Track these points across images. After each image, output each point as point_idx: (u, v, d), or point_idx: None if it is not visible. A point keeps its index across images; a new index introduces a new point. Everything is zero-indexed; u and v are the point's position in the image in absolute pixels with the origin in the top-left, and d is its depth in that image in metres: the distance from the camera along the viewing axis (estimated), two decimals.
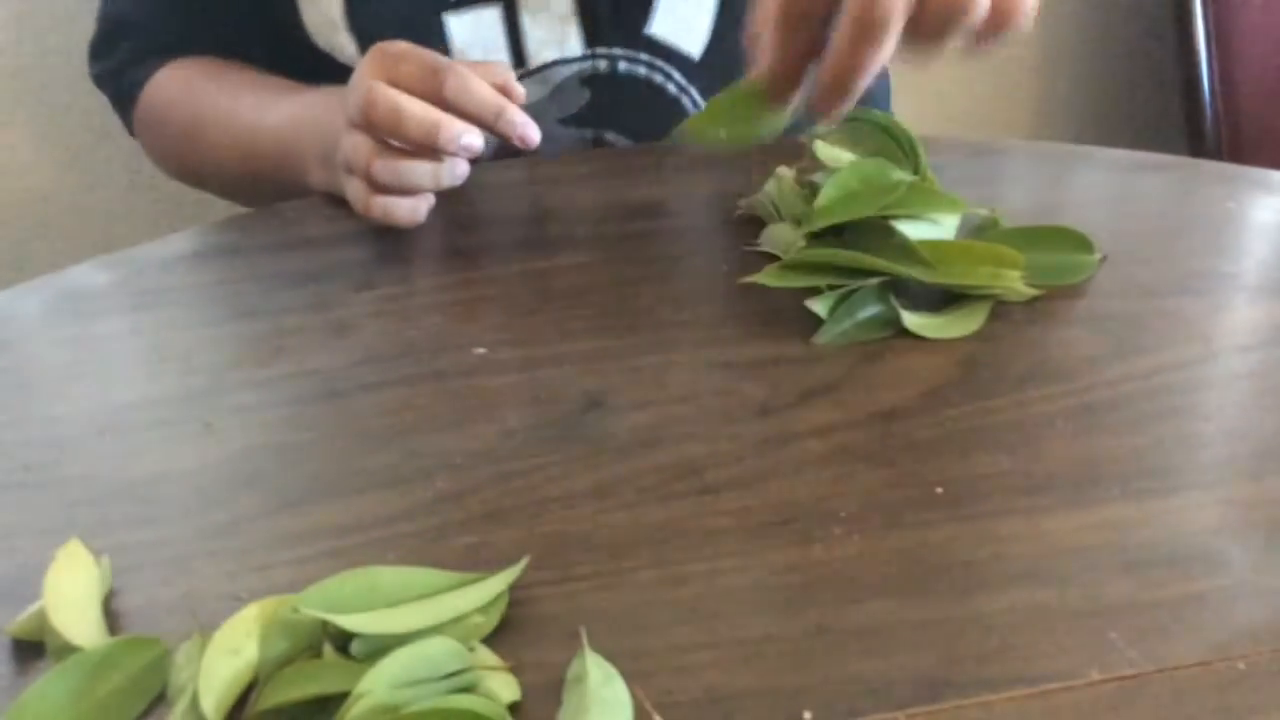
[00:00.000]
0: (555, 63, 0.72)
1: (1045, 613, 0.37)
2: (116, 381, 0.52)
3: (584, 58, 0.72)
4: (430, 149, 0.58)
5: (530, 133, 0.59)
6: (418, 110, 0.57)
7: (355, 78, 0.59)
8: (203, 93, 0.75)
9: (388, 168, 0.58)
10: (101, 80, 0.82)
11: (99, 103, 1.09)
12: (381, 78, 0.58)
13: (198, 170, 0.78)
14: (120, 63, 0.80)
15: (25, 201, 1.19)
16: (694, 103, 0.74)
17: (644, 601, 0.38)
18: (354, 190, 0.61)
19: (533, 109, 0.73)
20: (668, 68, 0.73)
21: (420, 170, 0.59)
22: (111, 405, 0.50)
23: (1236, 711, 0.33)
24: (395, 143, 0.58)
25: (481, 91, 0.58)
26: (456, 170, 0.60)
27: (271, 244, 0.63)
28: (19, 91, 1.14)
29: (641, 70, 0.73)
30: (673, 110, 0.74)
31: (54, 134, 1.16)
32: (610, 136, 0.75)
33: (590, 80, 0.73)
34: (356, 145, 0.59)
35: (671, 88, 0.74)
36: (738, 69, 0.75)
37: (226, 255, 0.63)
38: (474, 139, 0.57)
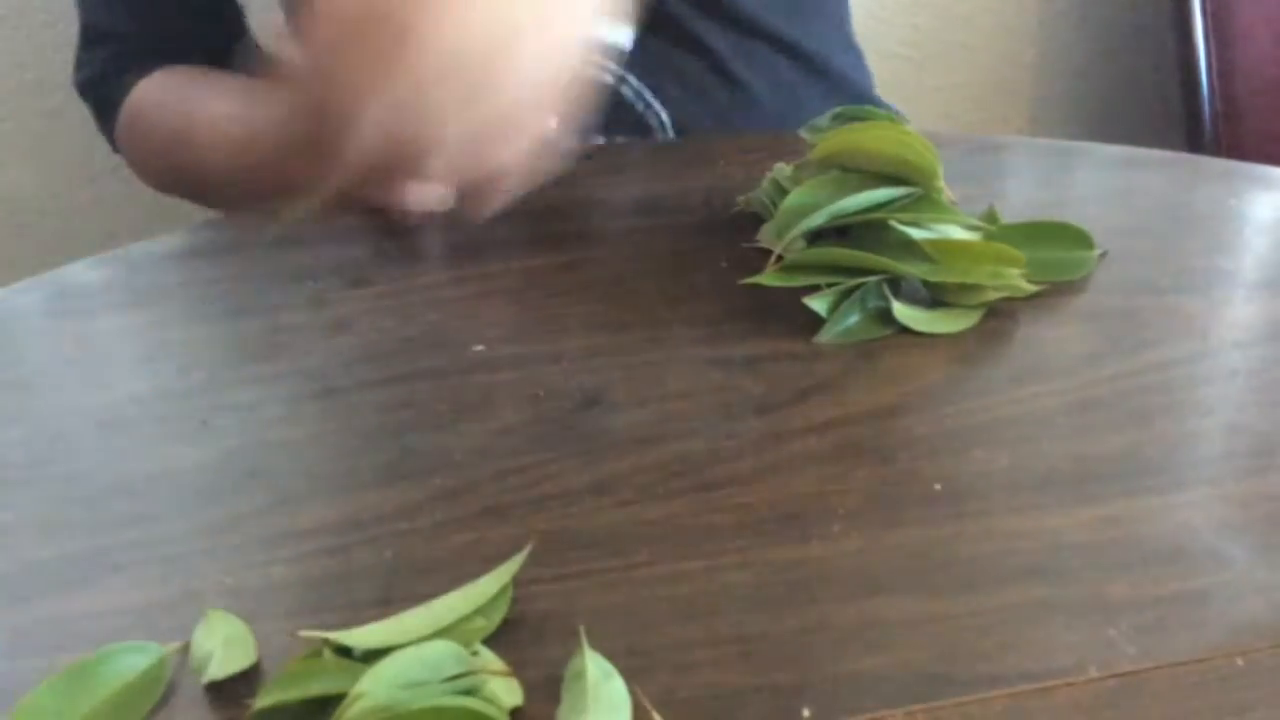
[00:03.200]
0: None
1: (1044, 609, 0.37)
2: (113, 379, 0.52)
3: None
4: None
5: None
6: None
7: None
8: (192, 99, 0.75)
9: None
10: (84, 90, 0.82)
11: None
12: None
13: (190, 176, 0.78)
14: (100, 71, 0.80)
15: (22, 199, 1.19)
16: (633, 89, 0.74)
17: (643, 599, 0.38)
18: None
19: None
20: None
21: None
22: (107, 402, 0.50)
23: (1236, 708, 0.33)
24: None
25: None
26: None
27: (268, 241, 0.63)
28: (14, 89, 1.14)
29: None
30: (612, 100, 0.74)
31: (50, 131, 1.16)
32: None
33: None
34: None
35: (607, 77, 0.74)
36: (674, 51, 0.75)
37: (222, 252, 0.63)
38: None
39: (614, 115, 0.75)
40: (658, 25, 0.74)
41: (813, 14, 0.84)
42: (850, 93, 0.85)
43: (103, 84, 0.80)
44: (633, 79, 0.74)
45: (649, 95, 0.75)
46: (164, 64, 0.78)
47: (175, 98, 0.76)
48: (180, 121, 0.75)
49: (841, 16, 0.88)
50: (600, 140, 0.76)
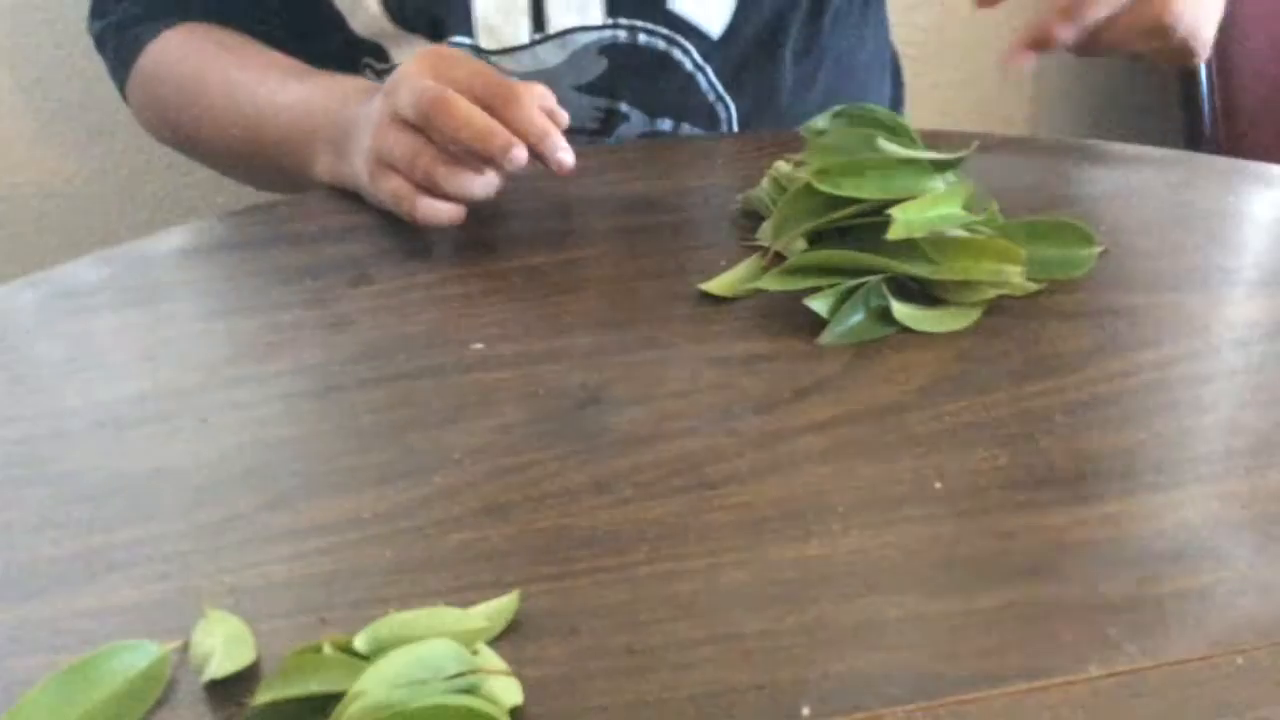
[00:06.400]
0: (575, 29, 0.72)
1: (1044, 608, 0.37)
2: (112, 377, 0.52)
3: (604, 26, 0.72)
4: (476, 157, 0.57)
5: (567, 159, 0.58)
6: (475, 116, 0.56)
7: (405, 75, 0.58)
8: (210, 61, 0.74)
9: (452, 176, 0.58)
10: (102, 38, 0.81)
11: (95, 98, 1.09)
12: (434, 79, 0.57)
13: (193, 138, 0.77)
14: (120, 19, 0.79)
15: (21, 197, 1.19)
16: (708, 81, 0.74)
17: (642, 597, 0.38)
18: (394, 187, 0.59)
19: (549, 74, 0.73)
20: (686, 44, 0.73)
21: (478, 181, 0.58)
22: (107, 401, 0.50)
23: (1235, 706, 0.33)
24: (450, 148, 0.58)
25: (531, 110, 0.57)
26: (498, 183, 0.60)
27: (267, 239, 0.63)
28: (15, 87, 1.14)
29: (660, 44, 0.73)
30: (687, 86, 0.74)
31: (50, 129, 1.16)
32: (624, 107, 0.75)
33: (609, 49, 0.73)
34: (414, 146, 0.58)
35: (688, 64, 0.74)
36: (755, 51, 0.75)
37: (223, 251, 0.62)
38: (521, 153, 0.56)
39: (686, 100, 0.75)
40: (745, 26, 0.73)
41: (877, 24, 0.85)
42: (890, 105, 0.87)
43: (121, 32, 0.78)
44: (710, 70, 0.74)
45: (721, 88, 0.75)
46: (190, 19, 0.77)
47: (197, 57, 0.75)
48: (194, 81, 0.74)
49: (883, 21, 0.88)
50: (669, 124, 0.76)
